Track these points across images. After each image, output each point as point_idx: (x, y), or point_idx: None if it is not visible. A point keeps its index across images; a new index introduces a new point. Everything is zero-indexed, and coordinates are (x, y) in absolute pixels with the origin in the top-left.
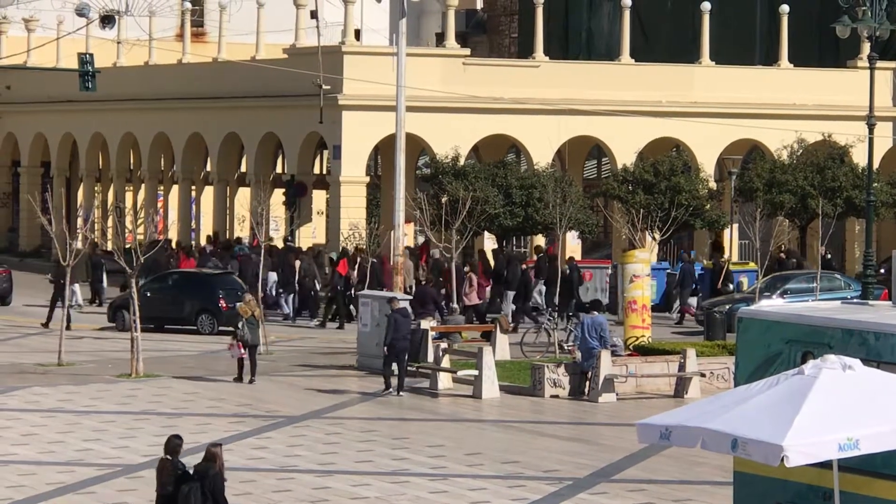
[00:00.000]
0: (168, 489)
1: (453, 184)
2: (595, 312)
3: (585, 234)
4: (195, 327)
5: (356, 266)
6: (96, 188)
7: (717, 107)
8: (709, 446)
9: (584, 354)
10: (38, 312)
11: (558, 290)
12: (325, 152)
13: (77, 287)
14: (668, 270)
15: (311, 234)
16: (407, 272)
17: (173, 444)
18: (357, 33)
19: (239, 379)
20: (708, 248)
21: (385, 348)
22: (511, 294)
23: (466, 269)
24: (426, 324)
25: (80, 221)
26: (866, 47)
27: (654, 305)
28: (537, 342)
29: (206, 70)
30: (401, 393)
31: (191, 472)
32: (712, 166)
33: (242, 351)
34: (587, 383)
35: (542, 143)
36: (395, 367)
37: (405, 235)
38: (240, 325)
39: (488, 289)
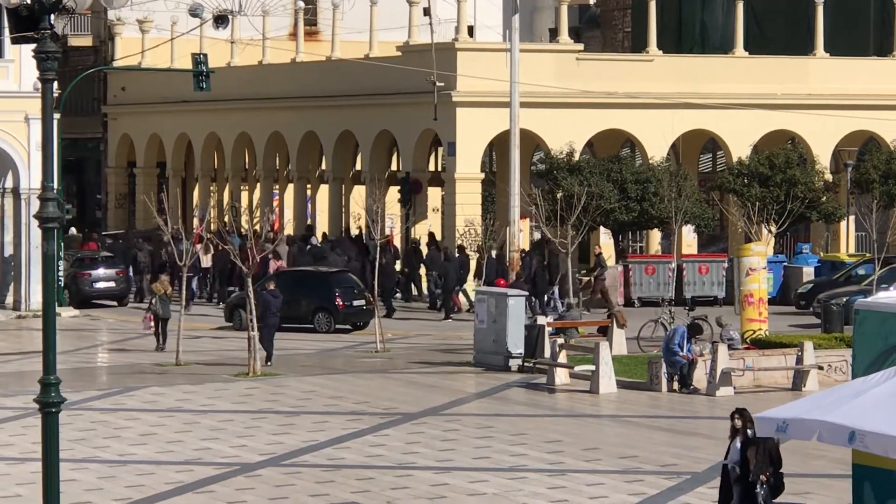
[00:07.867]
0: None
1: (568, 179)
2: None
3: (701, 227)
4: (312, 326)
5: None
6: (212, 188)
7: (832, 98)
8: (826, 439)
9: (667, 361)
10: None
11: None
12: (440, 149)
13: None
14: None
15: (426, 231)
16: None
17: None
18: (470, 30)
19: (159, 349)
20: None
21: (259, 325)
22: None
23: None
24: (542, 320)
25: (195, 221)
26: None
27: (771, 298)
28: (654, 336)
29: (319, 69)
30: (269, 362)
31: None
32: (828, 158)
33: (152, 324)
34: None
35: (657, 138)
36: None
37: (521, 231)
38: (153, 300)
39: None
